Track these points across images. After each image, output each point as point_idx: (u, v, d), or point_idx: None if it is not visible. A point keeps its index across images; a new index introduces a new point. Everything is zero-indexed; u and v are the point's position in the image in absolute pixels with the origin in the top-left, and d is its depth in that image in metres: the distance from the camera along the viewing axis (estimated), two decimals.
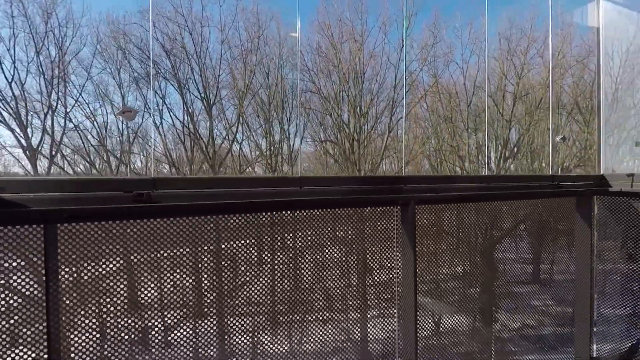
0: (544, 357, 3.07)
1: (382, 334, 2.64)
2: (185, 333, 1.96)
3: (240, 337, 2.12)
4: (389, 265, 2.76)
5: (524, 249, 3.20)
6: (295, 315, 2.39)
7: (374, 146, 10.62)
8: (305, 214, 2.18)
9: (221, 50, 8.59)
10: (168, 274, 1.99)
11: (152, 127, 8.45)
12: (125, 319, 1.86)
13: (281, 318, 2.37)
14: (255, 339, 2.23)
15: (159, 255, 1.91)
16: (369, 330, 2.62)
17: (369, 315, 2.68)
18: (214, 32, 8.41)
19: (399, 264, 2.37)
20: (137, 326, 1.89)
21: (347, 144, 10.59)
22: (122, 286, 1.84)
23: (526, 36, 10.09)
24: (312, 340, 2.37)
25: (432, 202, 2.49)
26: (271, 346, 2.25)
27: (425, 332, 2.71)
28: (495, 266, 3.07)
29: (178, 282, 2.04)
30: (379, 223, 2.35)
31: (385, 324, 2.65)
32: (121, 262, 1.81)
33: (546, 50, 9.84)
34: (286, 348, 2.29)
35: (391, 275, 2.75)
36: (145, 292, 1.90)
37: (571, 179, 3.03)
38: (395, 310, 2.84)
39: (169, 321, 1.97)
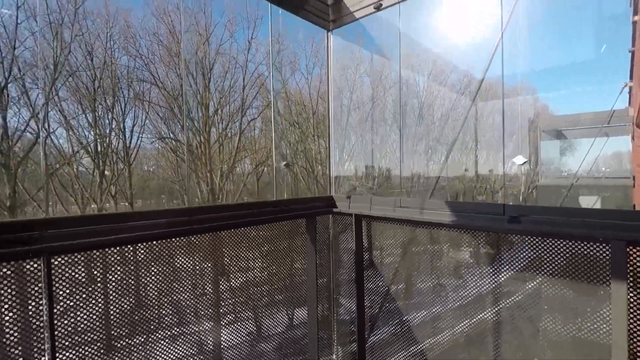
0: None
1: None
2: None
3: None
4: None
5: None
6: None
7: (230, 146, 10.31)
8: None
9: (17, 17, 6.57)
10: None
11: None
12: None
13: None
14: None
15: None
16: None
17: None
18: None
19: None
20: None
21: (196, 142, 9.91)
22: None
23: (355, 56, 11.83)
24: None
25: (73, 251, 1.72)
26: None
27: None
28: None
29: None
30: None
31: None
32: None
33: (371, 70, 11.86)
34: None
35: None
36: None
37: (303, 202, 2.98)
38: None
39: None
